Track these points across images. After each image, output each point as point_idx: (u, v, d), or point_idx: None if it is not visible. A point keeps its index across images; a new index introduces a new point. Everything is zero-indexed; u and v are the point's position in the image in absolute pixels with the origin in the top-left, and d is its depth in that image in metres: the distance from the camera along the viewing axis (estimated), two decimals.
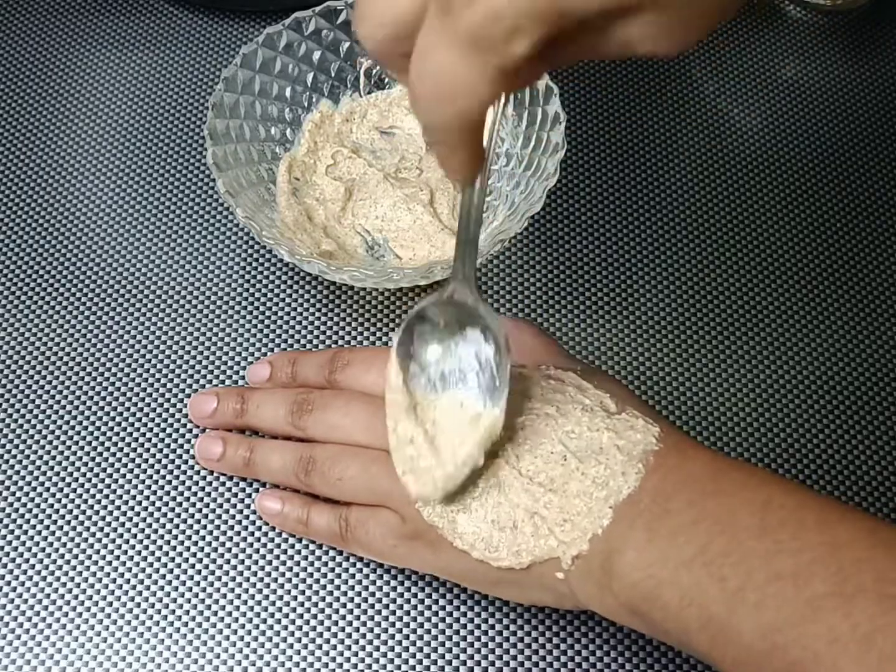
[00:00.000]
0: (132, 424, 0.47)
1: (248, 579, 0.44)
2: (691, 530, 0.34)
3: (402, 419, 0.38)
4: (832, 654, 0.30)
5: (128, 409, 0.47)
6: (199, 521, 0.45)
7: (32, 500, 0.45)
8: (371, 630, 0.43)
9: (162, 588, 0.43)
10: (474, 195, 0.36)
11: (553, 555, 0.37)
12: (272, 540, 0.44)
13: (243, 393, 0.46)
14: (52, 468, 0.46)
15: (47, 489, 0.45)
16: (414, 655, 0.42)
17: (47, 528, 0.44)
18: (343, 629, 0.43)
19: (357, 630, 0.43)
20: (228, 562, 0.44)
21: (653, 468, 0.36)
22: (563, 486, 0.37)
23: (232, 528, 0.45)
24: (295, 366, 0.46)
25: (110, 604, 0.43)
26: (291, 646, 0.42)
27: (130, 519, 0.45)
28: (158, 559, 0.44)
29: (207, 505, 0.45)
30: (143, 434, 0.47)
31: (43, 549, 0.44)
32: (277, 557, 0.44)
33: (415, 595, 0.43)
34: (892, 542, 0.31)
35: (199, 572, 0.44)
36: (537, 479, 0.38)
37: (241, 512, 0.45)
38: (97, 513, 0.45)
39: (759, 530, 0.33)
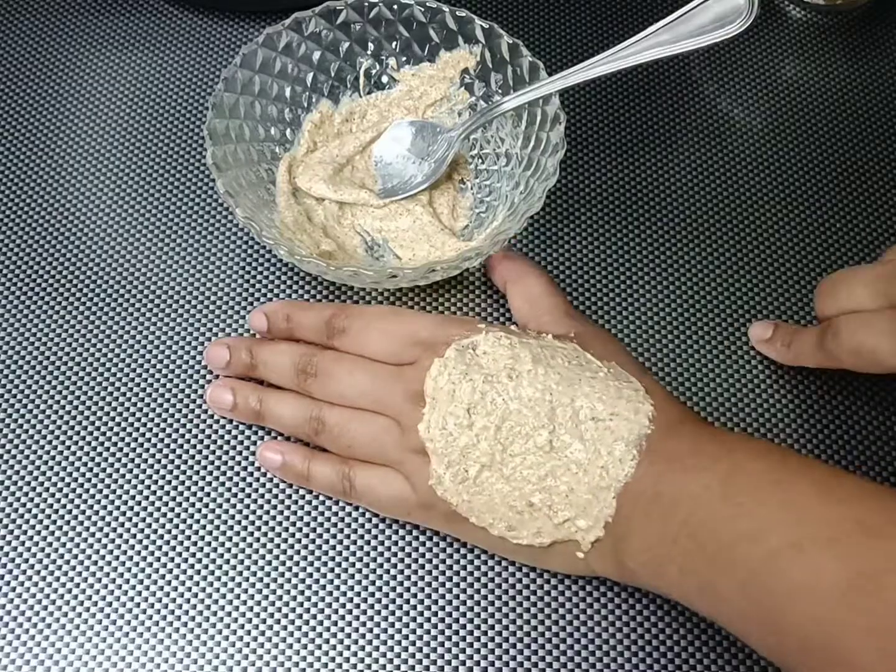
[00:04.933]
0: (132, 424, 0.47)
1: (247, 579, 0.44)
2: (678, 508, 0.37)
3: None
4: (793, 600, 0.33)
5: (128, 409, 0.47)
6: (199, 522, 0.45)
7: (32, 500, 0.45)
8: (371, 630, 0.43)
9: (162, 588, 0.43)
10: None
11: (573, 538, 0.39)
12: (272, 540, 0.44)
13: (252, 347, 0.46)
14: (52, 468, 0.46)
15: (47, 489, 0.45)
16: (413, 655, 0.42)
17: (47, 528, 0.44)
18: (343, 629, 0.43)
19: (357, 630, 0.43)
20: (228, 562, 0.44)
21: (644, 454, 0.38)
22: (565, 472, 0.39)
23: (232, 528, 0.45)
24: (290, 322, 0.46)
25: (110, 604, 0.43)
26: (291, 646, 0.42)
27: (130, 519, 0.45)
28: (158, 559, 0.44)
29: (207, 505, 0.45)
30: (143, 434, 0.47)
31: (43, 549, 0.44)
32: (277, 558, 0.44)
33: (414, 595, 0.43)
34: (840, 494, 0.35)
35: (198, 572, 0.44)
36: (539, 472, 0.39)
37: (240, 512, 0.45)
38: (97, 513, 0.45)
39: (723, 497, 0.36)
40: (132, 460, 0.46)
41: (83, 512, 0.45)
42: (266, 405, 0.45)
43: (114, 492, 0.45)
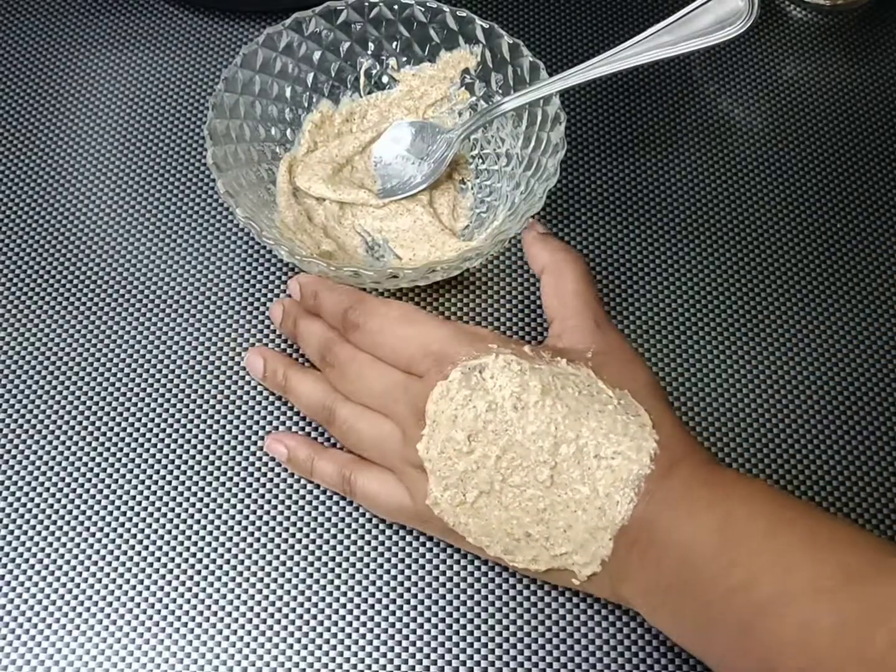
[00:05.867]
0: (132, 424, 0.47)
1: (247, 579, 0.44)
2: (671, 555, 0.37)
3: None
4: (785, 649, 0.33)
5: (128, 409, 0.47)
6: (198, 522, 0.45)
7: (32, 500, 0.45)
8: (371, 630, 0.43)
9: (162, 588, 0.43)
10: None
11: (570, 569, 0.39)
12: (272, 540, 0.44)
13: (299, 315, 0.47)
14: (52, 468, 0.46)
15: (47, 489, 0.45)
16: (413, 656, 0.42)
17: (47, 528, 0.44)
18: (343, 629, 0.43)
19: (357, 630, 0.43)
20: (228, 562, 0.44)
21: (642, 495, 0.38)
22: (564, 509, 0.39)
23: (232, 528, 0.45)
24: (317, 300, 0.46)
25: (110, 604, 0.43)
26: (291, 646, 0.42)
27: (130, 519, 0.45)
28: (158, 559, 0.44)
29: (207, 505, 0.45)
30: (143, 434, 0.47)
31: (43, 549, 0.44)
32: (277, 557, 0.44)
33: (414, 595, 0.43)
34: (826, 543, 0.35)
35: (198, 572, 0.44)
36: (538, 505, 0.39)
37: (240, 512, 0.45)
38: (97, 513, 0.45)
39: (716, 546, 0.36)
40: (132, 460, 0.46)
41: (83, 512, 0.45)
42: (290, 382, 0.46)
43: (114, 492, 0.45)
